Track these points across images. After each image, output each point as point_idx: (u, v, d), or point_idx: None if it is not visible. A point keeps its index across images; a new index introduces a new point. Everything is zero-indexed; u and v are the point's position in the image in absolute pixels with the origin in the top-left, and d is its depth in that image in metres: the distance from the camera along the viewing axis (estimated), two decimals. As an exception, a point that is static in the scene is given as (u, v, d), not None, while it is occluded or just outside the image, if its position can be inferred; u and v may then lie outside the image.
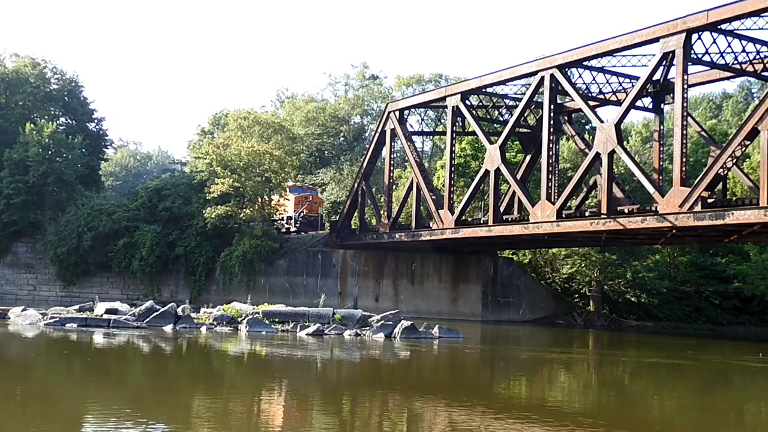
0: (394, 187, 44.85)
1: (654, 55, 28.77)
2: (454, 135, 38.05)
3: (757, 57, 30.63)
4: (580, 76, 34.47)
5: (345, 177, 57.74)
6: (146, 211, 46.89)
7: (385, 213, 40.75)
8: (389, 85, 70.81)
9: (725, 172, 27.23)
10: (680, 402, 16.45)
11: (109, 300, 32.10)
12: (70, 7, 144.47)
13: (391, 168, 42.77)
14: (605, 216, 29.34)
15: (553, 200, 31.83)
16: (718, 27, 27.60)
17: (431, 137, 62.69)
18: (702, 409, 15.42)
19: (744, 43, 29.75)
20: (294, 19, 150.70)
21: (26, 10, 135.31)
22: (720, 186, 30.39)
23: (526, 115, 38.09)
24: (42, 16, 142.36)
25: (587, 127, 46.56)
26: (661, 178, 33.87)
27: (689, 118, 29.27)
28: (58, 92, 55.13)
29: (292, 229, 46.05)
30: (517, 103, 37.13)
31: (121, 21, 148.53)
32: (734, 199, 30.18)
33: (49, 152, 47.70)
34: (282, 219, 46.59)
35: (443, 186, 39.43)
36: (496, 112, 41.26)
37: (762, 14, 26.47)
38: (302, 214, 45.63)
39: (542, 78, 32.19)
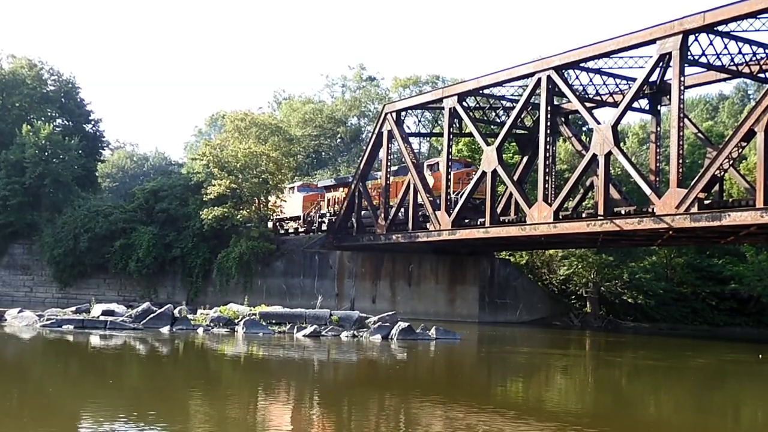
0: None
1: (651, 56, 28.77)
2: (451, 136, 38.00)
3: (754, 59, 30.65)
4: (577, 77, 34.45)
5: (342, 178, 57.73)
6: (143, 212, 46.83)
7: (382, 214, 40.72)
8: (386, 86, 71.05)
9: (722, 173, 27.24)
10: (677, 403, 16.45)
11: (105, 301, 31.89)
12: (67, 8, 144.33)
13: (388, 169, 42.69)
14: (602, 217, 29.35)
15: (549, 202, 31.82)
16: (715, 29, 27.63)
17: (428, 138, 62.86)
18: (699, 410, 15.43)
19: (740, 44, 29.77)
20: (291, 20, 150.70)
21: (23, 11, 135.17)
22: (717, 187, 30.37)
23: (523, 116, 38.09)
24: (39, 17, 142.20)
25: (584, 128, 46.56)
26: (657, 179, 33.85)
27: (686, 120, 29.25)
28: (54, 93, 55.06)
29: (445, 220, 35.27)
30: (514, 104, 37.11)
31: (118, 22, 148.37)
32: (731, 200, 30.19)
33: (46, 153, 47.66)
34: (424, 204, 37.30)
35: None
36: (493, 114, 41.23)
37: (759, 16, 26.51)
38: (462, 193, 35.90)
39: (539, 79, 32.17)
